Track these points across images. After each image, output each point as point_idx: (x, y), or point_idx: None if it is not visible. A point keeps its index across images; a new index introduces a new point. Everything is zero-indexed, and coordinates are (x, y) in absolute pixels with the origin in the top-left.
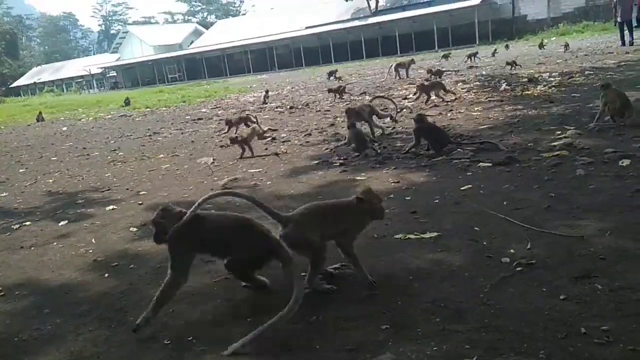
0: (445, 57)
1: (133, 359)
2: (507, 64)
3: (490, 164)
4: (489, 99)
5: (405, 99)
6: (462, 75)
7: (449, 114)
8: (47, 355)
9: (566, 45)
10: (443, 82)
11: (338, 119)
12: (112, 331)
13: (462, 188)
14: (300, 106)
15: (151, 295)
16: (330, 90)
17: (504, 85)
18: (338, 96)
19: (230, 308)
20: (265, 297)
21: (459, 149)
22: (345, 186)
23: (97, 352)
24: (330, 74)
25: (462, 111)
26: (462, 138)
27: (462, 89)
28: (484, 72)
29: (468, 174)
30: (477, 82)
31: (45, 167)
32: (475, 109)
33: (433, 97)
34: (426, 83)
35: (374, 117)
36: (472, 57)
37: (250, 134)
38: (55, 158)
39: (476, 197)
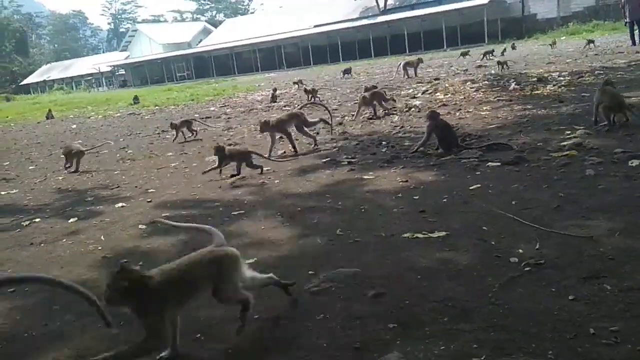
0: (464, 54)
1: None
2: (499, 64)
3: (499, 164)
4: (497, 98)
5: (414, 97)
6: (470, 74)
7: (457, 113)
8: (55, 351)
9: (589, 42)
10: (381, 90)
11: (346, 117)
12: (120, 329)
13: (471, 187)
14: (308, 105)
15: None
16: (306, 91)
17: (513, 85)
18: (311, 97)
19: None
20: (273, 297)
21: (467, 149)
22: (353, 185)
23: (104, 350)
24: (345, 71)
25: (470, 110)
26: (471, 138)
27: (471, 88)
28: (492, 72)
29: (477, 173)
30: (485, 82)
31: (55, 164)
32: (484, 108)
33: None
34: (367, 95)
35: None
36: (488, 55)
37: (71, 153)
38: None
39: (485, 196)
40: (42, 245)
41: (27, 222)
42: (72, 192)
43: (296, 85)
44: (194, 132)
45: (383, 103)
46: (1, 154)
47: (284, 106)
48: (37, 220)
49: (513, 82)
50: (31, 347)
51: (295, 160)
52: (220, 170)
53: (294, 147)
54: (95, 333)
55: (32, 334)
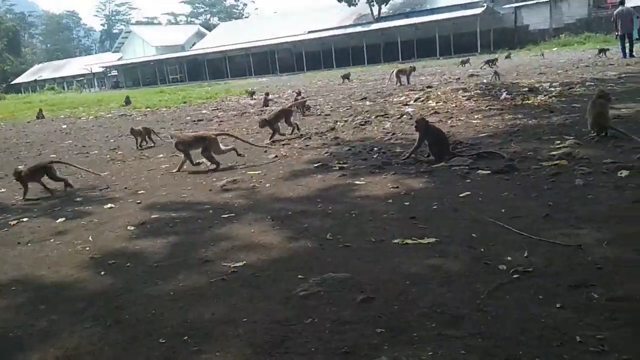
0: (464, 63)
1: (127, 357)
2: (496, 74)
3: (489, 172)
4: (489, 107)
5: (406, 105)
6: (462, 83)
7: (449, 122)
8: (41, 351)
9: (601, 51)
10: (291, 110)
11: (338, 123)
12: (108, 329)
13: (461, 195)
14: (300, 110)
15: (146, 295)
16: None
17: (504, 94)
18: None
19: (226, 309)
20: (263, 300)
21: (457, 157)
22: (344, 190)
23: (92, 350)
24: (345, 77)
25: (462, 119)
26: (462, 146)
27: (463, 96)
28: (484, 81)
29: (467, 181)
30: (477, 91)
31: None
32: (475, 117)
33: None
34: (269, 117)
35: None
36: (491, 63)
37: None
38: (54, 155)
39: (475, 204)
40: (29, 244)
41: (15, 222)
42: (60, 191)
43: (249, 97)
44: (153, 142)
45: (290, 119)
46: None
47: None
48: (25, 219)
49: (504, 91)
50: (17, 347)
51: (287, 164)
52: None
53: (191, 163)
54: (84, 333)
55: (18, 334)
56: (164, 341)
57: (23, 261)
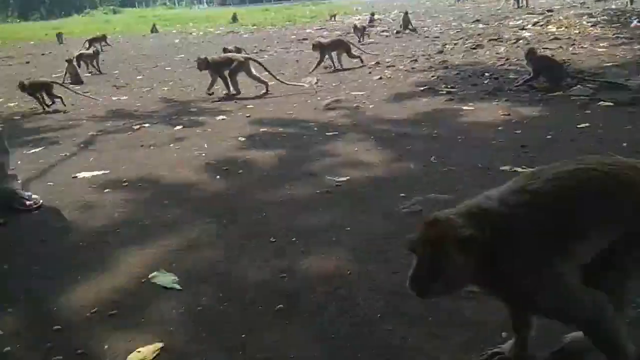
0: None
1: (240, 250)
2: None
3: (612, 104)
4: (616, 35)
5: (523, 29)
6: (587, 8)
7: (570, 49)
8: (167, 239)
9: None
10: (350, 43)
11: (447, 46)
12: (223, 227)
13: (579, 126)
14: (407, 31)
15: (258, 199)
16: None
17: (635, 22)
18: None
19: (329, 218)
20: (364, 213)
21: (579, 85)
22: (451, 115)
23: (210, 242)
24: None
25: (585, 46)
26: (584, 75)
27: (588, 22)
28: (613, 6)
29: (586, 111)
30: (604, 17)
31: (160, 75)
32: (601, 45)
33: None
34: (324, 42)
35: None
36: None
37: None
38: (169, 68)
39: (594, 136)
40: (152, 148)
41: (138, 127)
42: (177, 102)
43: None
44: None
45: (352, 52)
46: (111, 64)
47: (382, 31)
48: (146, 125)
49: (636, 19)
50: (146, 234)
51: (391, 86)
52: None
53: (227, 89)
54: (203, 227)
55: (146, 222)
56: (274, 240)
57: (147, 162)
